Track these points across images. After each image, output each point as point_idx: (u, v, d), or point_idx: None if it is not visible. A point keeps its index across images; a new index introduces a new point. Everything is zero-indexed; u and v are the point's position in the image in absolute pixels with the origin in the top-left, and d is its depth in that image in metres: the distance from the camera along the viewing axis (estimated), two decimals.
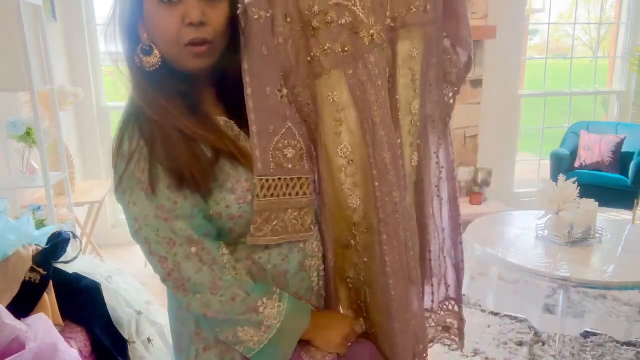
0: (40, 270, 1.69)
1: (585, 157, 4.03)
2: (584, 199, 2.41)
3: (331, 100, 0.88)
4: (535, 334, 2.46)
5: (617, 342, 2.36)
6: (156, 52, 0.81)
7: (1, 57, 2.26)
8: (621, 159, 3.93)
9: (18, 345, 1.34)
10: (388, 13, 0.87)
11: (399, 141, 0.94)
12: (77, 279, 1.83)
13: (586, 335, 2.42)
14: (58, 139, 2.82)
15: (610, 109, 4.81)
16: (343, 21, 0.84)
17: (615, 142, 3.97)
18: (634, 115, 4.56)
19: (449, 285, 1.22)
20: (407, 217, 0.97)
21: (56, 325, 1.59)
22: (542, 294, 2.24)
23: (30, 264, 1.69)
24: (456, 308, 1.18)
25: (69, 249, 1.89)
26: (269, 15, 0.82)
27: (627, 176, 3.83)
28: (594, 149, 4.00)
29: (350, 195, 0.93)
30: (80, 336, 1.71)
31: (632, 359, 2.27)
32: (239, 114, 0.91)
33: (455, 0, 0.98)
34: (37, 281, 1.67)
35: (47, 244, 1.83)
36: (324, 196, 0.94)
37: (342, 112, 0.89)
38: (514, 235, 2.53)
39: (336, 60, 0.85)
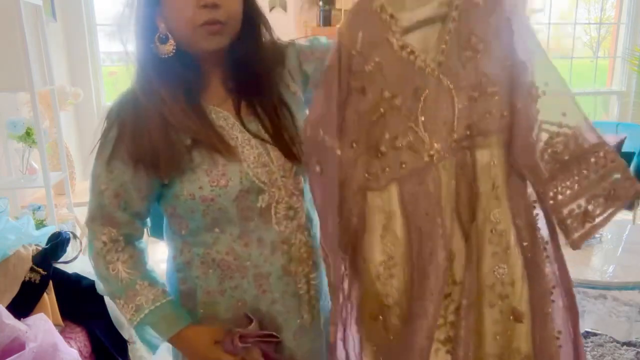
0: (40, 270, 1.69)
1: None
2: None
3: (381, 211, 0.86)
4: None
5: (617, 342, 2.36)
6: (171, 40, 0.87)
7: (1, 57, 2.26)
8: None
9: (18, 345, 1.35)
10: (455, 128, 0.84)
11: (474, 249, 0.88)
12: (77, 279, 1.83)
13: (586, 335, 2.42)
14: (58, 139, 2.82)
15: (610, 109, 4.81)
16: (405, 142, 0.83)
17: (615, 142, 3.96)
18: (634, 115, 4.56)
19: None
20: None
21: (56, 325, 1.59)
22: None
23: (30, 264, 1.69)
24: None
25: (69, 249, 1.89)
26: (336, 143, 0.82)
27: None
28: None
29: (385, 284, 0.89)
30: (80, 336, 1.71)
31: (632, 359, 2.27)
32: (247, 102, 0.95)
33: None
34: (37, 281, 1.67)
35: (47, 244, 1.83)
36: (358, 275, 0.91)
37: (391, 220, 0.86)
38: None
39: (392, 175, 0.84)
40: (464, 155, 0.86)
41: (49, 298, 1.68)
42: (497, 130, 0.85)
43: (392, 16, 0.77)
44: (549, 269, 0.90)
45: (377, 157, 0.84)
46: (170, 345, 1.01)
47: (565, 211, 0.88)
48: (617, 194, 0.87)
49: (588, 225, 0.88)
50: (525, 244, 0.88)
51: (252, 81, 0.95)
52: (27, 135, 2.43)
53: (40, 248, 1.79)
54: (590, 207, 0.88)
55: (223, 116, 0.94)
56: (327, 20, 3.64)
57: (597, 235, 2.42)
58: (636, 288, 2.04)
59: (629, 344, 2.36)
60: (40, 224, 2.38)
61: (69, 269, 1.85)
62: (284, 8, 3.67)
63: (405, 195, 0.85)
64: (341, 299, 0.90)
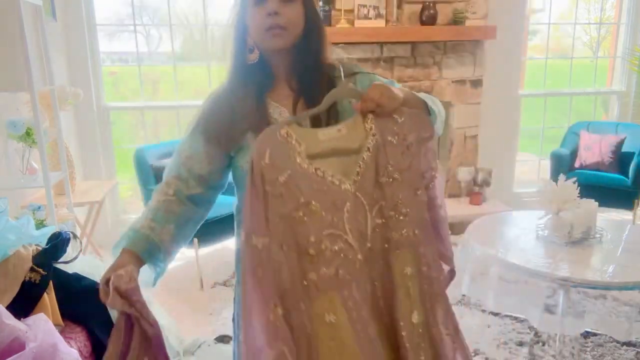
0: (40, 270, 1.69)
1: (585, 157, 4.03)
2: (584, 199, 2.41)
3: (328, 320, 0.95)
4: (535, 334, 2.46)
5: (617, 342, 2.37)
6: (256, 51, 1.16)
7: (1, 57, 2.26)
8: (621, 159, 3.93)
9: (18, 345, 1.34)
10: (369, 239, 1.02)
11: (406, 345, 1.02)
12: (77, 279, 1.83)
13: (586, 335, 2.42)
14: (58, 139, 2.82)
15: (610, 109, 4.81)
16: (336, 247, 0.96)
17: (615, 142, 3.97)
18: (634, 115, 4.56)
19: None
20: None
21: (56, 325, 1.59)
22: (542, 294, 2.24)
23: (30, 264, 1.69)
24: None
25: (69, 249, 1.88)
26: (266, 242, 0.93)
27: (627, 176, 3.83)
28: (594, 149, 4.00)
29: None
30: (80, 336, 1.71)
31: (632, 359, 2.27)
32: (304, 103, 1.16)
33: (441, 225, 1.14)
34: (37, 281, 1.67)
35: (47, 244, 1.83)
36: None
37: (338, 332, 0.96)
38: (514, 235, 2.53)
39: (331, 283, 0.96)
40: (379, 264, 1.03)
41: (49, 298, 1.68)
42: (410, 245, 1.04)
43: (297, 141, 1.00)
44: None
45: (309, 261, 0.95)
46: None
47: None
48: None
49: None
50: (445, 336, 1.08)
51: (309, 84, 1.16)
52: (27, 135, 2.43)
53: (40, 248, 1.79)
54: None
55: (279, 111, 1.17)
56: (326, 21, 3.64)
57: (597, 235, 2.43)
58: (636, 288, 2.04)
59: (629, 344, 2.36)
60: (40, 224, 2.38)
61: (69, 269, 1.85)
62: None
63: (349, 301, 0.96)
64: None
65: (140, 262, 1.12)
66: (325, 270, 0.96)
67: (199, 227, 1.26)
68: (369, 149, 1.04)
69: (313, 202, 0.97)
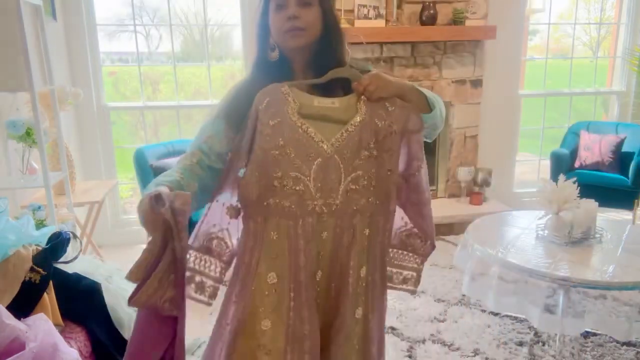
0: (40, 270, 1.69)
1: (585, 157, 4.03)
2: (584, 199, 2.41)
3: (272, 237, 1.22)
4: (535, 334, 2.46)
5: (617, 342, 2.37)
6: (277, 50, 1.29)
7: (1, 57, 2.27)
8: (621, 159, 3.93)
9: (18, 345, 1.35)
10: (340, 199, 1.22)
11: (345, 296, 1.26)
12: (77, 279, 1.83)
13: (586, 335, 2.42)
14: (58, 139, 2.82)
15: (610, 109, 4.82)
16: (296, 188, 1.19)
17: (615, 142, 3.97)
18: (634, 115, 4.56)
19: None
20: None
21: (56, 325, 1.59)
22: (542, 294, 2.24)
23: (30, 264, 1.69)
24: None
25: (69, 249, 1.89)
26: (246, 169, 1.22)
27: (627, 176, 3.83)
28: (594, 149, 4.00)
29: (263, 318, 1.21)
30: (80, 336, 1.71)
31: (632, 359, 2.27)
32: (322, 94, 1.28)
33: (424, 207, 1.35)
34: (37, 281, 1.67)
35: (47, 244, 1.83)
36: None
37: (275, 247, 1.22)
38: (514, 235, 2.53)
39: (283, 212, 1.20)
40: (341, 220, 1.23)
41: (49, 298, 1.68)
42: (372, 211, 1.25)
43: (294, 100, 1.23)
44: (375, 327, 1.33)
45: (272, 190, 1.20)
46: None
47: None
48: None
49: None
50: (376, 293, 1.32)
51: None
52: (27, 135, 2.43)
53: (40, 248, 1.79)
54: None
55: None
56: None
57: (597, 235, 2.43)
58: (636, 288, 2.04)
59: (629, 344, 2.36)
60: (40, 224, 2.39)
61: (69, 269, 1.85)
62: None
63: (289, 231, 1.21)
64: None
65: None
66: (282, 201, 1.20)
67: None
68: (354, 124, 1.24)
69: (289, 148, 1.20)
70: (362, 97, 1.26)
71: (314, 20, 1.26)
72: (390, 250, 1.39)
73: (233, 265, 1.31)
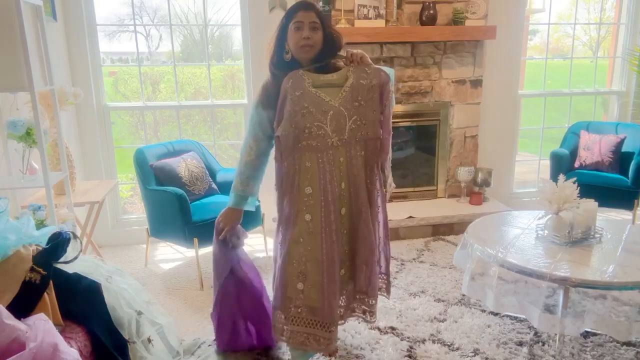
0: (41, 270, 1.69)
1: (585, 157, 4.03)
2: (584, 199, 2.41)
3: (307, 164, 1.94)
4: (535, 334, 2.46)
5: (617, 342, 2.36)
6: (290, 53, 1.95)
7: (1, 57, 2.27)
8: (621, 159, 3.93)
9: (18, 345, 1.35)
10: (346, 134, 1.95)
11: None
12: (77, 279, 1.83)
13: (586, 335, 2.42)
14: (58, 139, 2.82)
15: (610, 109, 4.81)
16: (320, 132, 1.92)
17: (615, 142, 3.97)
18: (634, 115, 4.56)
19: (381, 266, 2.25)
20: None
21: (56, 325, 1.59)
22: (542, 294, 2.24)
23: (30, 263, 1.69)
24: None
25: (69, 249, 1.89)
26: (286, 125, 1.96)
27: (627, 176, 3.83)
28: (594, 149, 4.00)
29: (306, 213, 1.97)
30: (80, 336, 1.71)
31: (632, 359, 2.27)
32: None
33: (387, 144, 2.07)
34: (37, 281, 1.67)
35: (47, 244, 1.83)
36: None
37: (309, 171, 1.94)
38: (514, 235, 2.53)
39: (312, 148, 1.93)
40: (349, 148, 1.98)
41: (49, 298, 1.68)
42: (365, 143, 2.01)
43: (308, 78, 1.94)
44: (380, 213, 2.16)
45: (303, 136, 1.92)
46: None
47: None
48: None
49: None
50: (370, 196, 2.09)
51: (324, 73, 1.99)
52: (27, 135, 2.43)
53: (40, 248, 1.79)
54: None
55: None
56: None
57: (597, 235, 2.43)
58: (636, 288, 2.04)
59: (629, 344, 2.36)
60: (40, 224, 2.39)
61: (69, 269, 1.85)
62: (284, 8, 3.67)
63: (318, 160, 1.94)
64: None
65: (241, 213, 2.12)
66: (310, 142, 1.92)
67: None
68: (348, 86, 1.96)
69: (311, 107, 1.91)
70: (350, 67, 1.97)
71: (319, 40, 1.94)
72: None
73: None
